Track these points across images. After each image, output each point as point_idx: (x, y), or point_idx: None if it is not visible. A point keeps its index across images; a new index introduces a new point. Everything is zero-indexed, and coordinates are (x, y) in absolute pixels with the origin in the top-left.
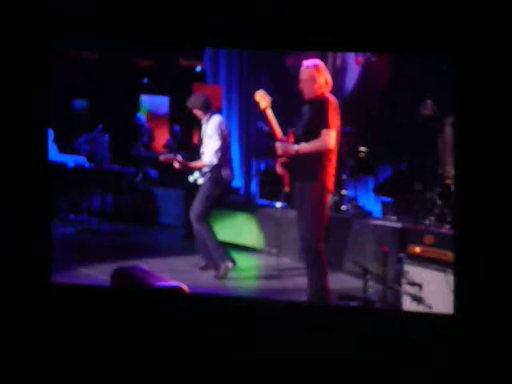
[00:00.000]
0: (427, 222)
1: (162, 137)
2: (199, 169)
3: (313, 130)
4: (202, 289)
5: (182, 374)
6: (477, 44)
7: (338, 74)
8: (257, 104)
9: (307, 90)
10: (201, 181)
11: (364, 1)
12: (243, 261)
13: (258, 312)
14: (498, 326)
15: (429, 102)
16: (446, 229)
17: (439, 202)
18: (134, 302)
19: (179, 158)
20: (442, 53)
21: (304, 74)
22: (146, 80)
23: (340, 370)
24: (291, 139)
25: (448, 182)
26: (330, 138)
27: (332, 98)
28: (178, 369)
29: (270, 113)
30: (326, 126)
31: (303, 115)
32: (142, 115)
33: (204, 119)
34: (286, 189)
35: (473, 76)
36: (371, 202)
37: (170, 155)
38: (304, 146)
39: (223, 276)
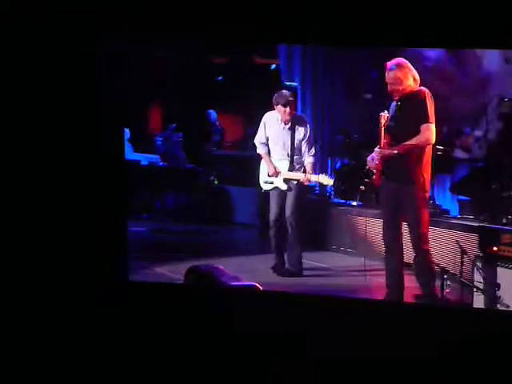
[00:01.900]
0: (504, 220)
1: (234, 135)
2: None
3: (411, 127)
4: (276, 287)
5: (255, 371)
6: None
7: None
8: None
9: (396, 92)
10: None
11: None
12: (320, 259)
13: (335, 310)
14: None
15: (507, 99)
16: None
17: None
18: (207, 300)
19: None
20: None
21: (389, 76)
22: (220, 77)
23: (419, 369)
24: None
25: None
26: (431, 131)
27: (427, 91)
28: (252, 366)
29: (382, 131)
30: (425, 120)
31: (395, 114)
32: (213, 112)
33: (288, 118)
34: (371, 186)
35: None
36: (448, 201)
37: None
38: (404, 146)
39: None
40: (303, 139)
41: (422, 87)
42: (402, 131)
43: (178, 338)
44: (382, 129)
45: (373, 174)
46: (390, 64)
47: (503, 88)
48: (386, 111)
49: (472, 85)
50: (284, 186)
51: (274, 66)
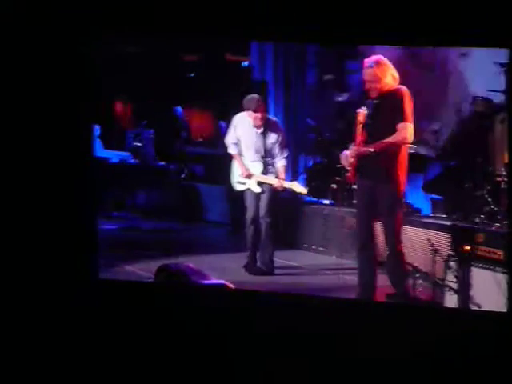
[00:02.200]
0: (477, 219)
1: (205, 132)
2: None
3: (388, 126)
4: (247, 285)
5: (226, 369)
6: None
7: None
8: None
9: (374, 90)
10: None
11: None
12: (292, 258)
13: (306, 309)
14: None
15: (480, 98)
16: (496, 227)
17: (489, 199)
18: (178, 299)
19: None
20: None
21: (367, 73)
22: (191, 74)
23: (392, 368)
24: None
25: (498, 179)
26: (408, 131)
27: (406, 90)
28: (220, 365)
29: (360, 127)
30: (403, 119)
31: (372, 112)
32: (179, 108)
33: (259, 123)
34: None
35: None
36: (420, 200)
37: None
38: (381, 144)
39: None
40: (275, 143)
41: (401, 86)
42: (379, 130)
43: (149, 336)
44: (359, 126)
45: (346, 171)
46: (368, 61)
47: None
48: (363, 108)
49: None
50: (258, 189)
51: (246, 64)
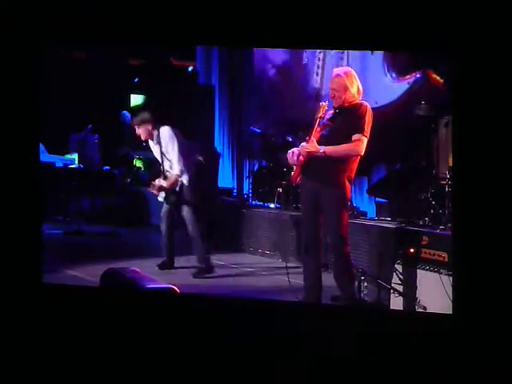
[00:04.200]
0: (421, 222)
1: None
2: (173, 184)
3: (343, 136)
4: (194, 289)
5: (173, 374)
6: (476, 44)
7: None
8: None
9: (338, 98)
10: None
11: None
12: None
13: (253, 312)
14: (497, 325)
15: (423, 102)
16: (440, 229)
17: (434, 202)
18: (124, 303)
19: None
20: (442, 53)
21: (335, 82)
22: (136, 79)
23: (339, 369)
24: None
25: (442, 182)
26: (363, 143)
27: (368, 106)
28: (169, 370)
29: (317, 123)
30: (360, 131)
31: (333, 121)
32: (127, 114)
33: (153, 134)
34: (288, 184)
35: (471, 76)
36: (365, 203)
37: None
38: (332, 148)
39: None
40: (166, 152)
41: (363, 101)
42: (334, 137)
43: (93, 340)
44: (318, 120)
45: (291, 172)
46: (337, 71)
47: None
48: (326, 101)
49: None
50: (160, 197)
51: (191, 68)
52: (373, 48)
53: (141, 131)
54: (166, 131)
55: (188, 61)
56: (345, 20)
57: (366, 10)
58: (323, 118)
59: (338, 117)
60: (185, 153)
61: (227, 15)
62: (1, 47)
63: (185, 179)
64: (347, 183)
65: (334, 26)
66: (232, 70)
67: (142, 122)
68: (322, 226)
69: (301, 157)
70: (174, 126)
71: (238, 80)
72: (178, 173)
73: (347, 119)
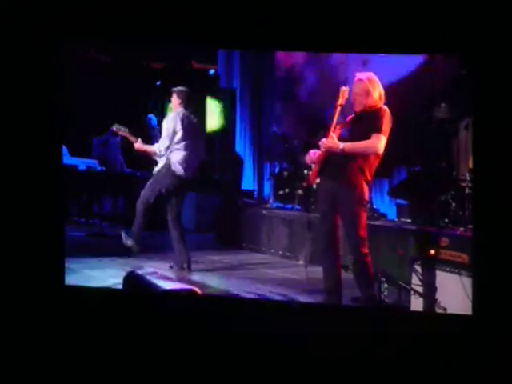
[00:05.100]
0: (442, 224)
1: None
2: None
3: (362, 138)
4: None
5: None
6: (497, 47)
7: None
8: (336, 97)
9: (360, 103)
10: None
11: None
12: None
13: (276, 314)
14: None
15: (443, 104)
16: (460, 231)
17: (454, 204)
18: (146, 305)
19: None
20: (461, 55)
21: (358, 86)
22: (158, 82)
23: (359, 371)
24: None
25: (462, 184)
26: (381, 141)
27: (388, 110)
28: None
29: (337, 111)
30: (378, 130)
31: (353, 124)
32: (153, 117)
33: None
34: (306, 184)
35: (492, 79)
36: (386, 205)
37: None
38: (351, 144)
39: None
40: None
41: (384, 106)
42: (352, 140)
43: (116, 342)
44: (338, 108)
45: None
46: (360, 75)
47: None
48: (347, 86)
49: None
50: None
51: (212, 72)
52: (390, 51)
53: (172, 99)
54: (175, 114)
55: (209, 64)
56: (364, 23)
57: (384, 12)
58: (343, 106)
59: (359, 121)
60: (176, 140)
61: (248, 17)
62: (24, 49)
63: (165, 162)
64: (365, 184)
65: (355, 29)
66: (253, 72)
67: (176, 91)
68: (339, 226)
69: (319, 151)
70: (192, 118)
71: (259, 82)
72: (157, 151)
73: (367, 123)
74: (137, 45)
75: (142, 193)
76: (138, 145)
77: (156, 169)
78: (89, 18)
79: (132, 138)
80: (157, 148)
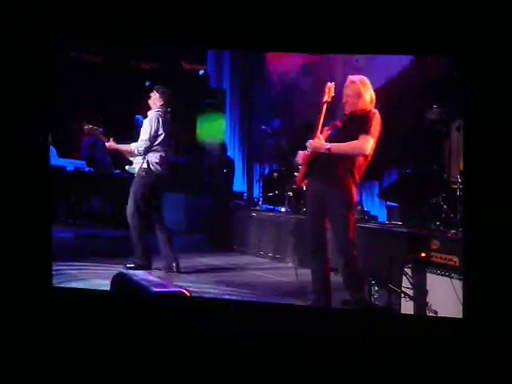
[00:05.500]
0: (433, 226)
1: None
2: (122, 152)
3: (349, 137)
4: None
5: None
6: (488, 49)
7: None
8: (322, 93)
9: (351, 105)
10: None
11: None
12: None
13: (263, 316)
14: (508, 330)
15: (435, 106)
16: (451, 234)
17: (445, 207)
18: (134, 307)
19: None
20: (452, 57)
21: (349, 88)
22: (148, 83)
23: (349, 373)
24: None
25: (454, 186)
26: (368, 142)
27: (378, 114)
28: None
29: (324, 108)
30: (366, 132)
31: (342, 125)
32: (141, 118)
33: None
34: (295, 186)
35: (483, 80)
36: (376, 207)
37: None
38: (337, 145)
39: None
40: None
41: (374, 109)
42: (341, 139)
43: (102, 344)
44: (324, 105)
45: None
46: (353, 77)
47: None
48: (333, 82)
49: None
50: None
51: (202, 72)
52: (381, 52)
53: (152, 97)
54: (154, 113)
55: (199, 64)
56: (353, 24)
57: (377, 13)
58: (329, 103)
59: (348, 123)
60: (158, 142)
61: (239, 19)
62: (13, 50)
63: (142, 162)
64: (353, 186)
65: (346, 30)
66: (243, 72)
67: (159, 91)
68: (328, 228)
69: (306, 152)
70: (169, 118)
71: (249, 83)
72: (135, 150)
73: (356, 125)
74: (127, 45)
75: (129, 205)
76: (110, 143)
77: (134, 171)
78: (84, 18)
79: (103, 138)
80: (135, 147)
